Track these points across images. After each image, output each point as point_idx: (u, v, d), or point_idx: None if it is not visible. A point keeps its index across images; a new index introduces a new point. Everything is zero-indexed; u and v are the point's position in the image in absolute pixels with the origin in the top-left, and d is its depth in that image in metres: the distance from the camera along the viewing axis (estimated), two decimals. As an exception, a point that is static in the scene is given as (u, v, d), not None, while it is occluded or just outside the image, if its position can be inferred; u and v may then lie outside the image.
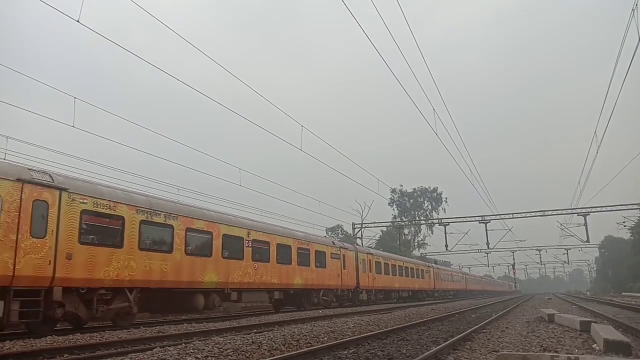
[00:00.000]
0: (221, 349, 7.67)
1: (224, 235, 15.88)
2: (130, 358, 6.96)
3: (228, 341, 8.57)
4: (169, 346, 8.08)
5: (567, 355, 6.06)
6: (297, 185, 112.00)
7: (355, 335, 9.93)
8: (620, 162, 72.42)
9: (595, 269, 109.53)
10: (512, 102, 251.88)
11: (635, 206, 41.66)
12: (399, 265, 36.14)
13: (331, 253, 23.99)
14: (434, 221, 62.58)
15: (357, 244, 39.51)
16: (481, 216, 42.15)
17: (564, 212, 42.22)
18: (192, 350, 7.53)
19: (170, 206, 14.39)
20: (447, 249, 44.76)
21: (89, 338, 9.74)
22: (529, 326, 12.09)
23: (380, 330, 10.85)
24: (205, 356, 7.20)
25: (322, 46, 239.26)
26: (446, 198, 76.57)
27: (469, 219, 43.63)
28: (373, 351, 7.89)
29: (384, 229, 62.11)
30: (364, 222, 49.63)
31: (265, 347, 8.11)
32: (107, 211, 11.94)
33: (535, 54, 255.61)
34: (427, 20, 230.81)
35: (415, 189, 77.13)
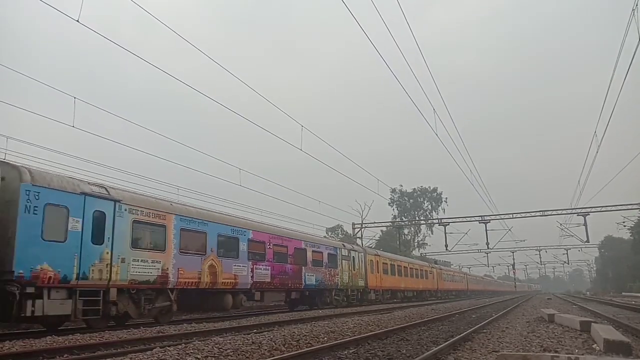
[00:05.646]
0: (221, 349, 7.67)
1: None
2: (130, 358, 6.95)
3: (228, 341, 8.57)
4: (168, 346, 8.07)
5: (567, 355, 6.06)
6: (297, 185, 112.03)
7: (355, 336, 9.91)
8: (620, 162, 72.53)
9: (595, 269, 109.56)
10: (512, 102, 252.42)
11: (635, 206, 41.61)
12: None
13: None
14: (434, 221, 62.56)
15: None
16: (481, 216, 42.08)
17: (564, 212, 42.15)
18: (192, 351, 7.52)
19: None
20: (447, 249, 44.66)
21: (88, 338, 9.72)
22: (529, 326, 12.08)
23: (381, 330, 10.84)
24: (205, 356, 7.19)
25: (322, 47, 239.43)
26: (446, 198, 76.64)
27: (469, 219, 43.54)
28: (373, 351, 7.88)
29: (384, 229, 62.10)
30: (364, 222, 49.55)
31: (265, 347, 8.10)
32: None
33: (535, 54, 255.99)
34: (420, 20, 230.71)
35: (415, 189, 77.18)
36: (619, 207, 40.47)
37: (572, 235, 45.62)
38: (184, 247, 14.37)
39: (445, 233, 43.75)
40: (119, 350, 8.37)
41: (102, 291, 11.64)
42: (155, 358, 6.93)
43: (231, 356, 7.31)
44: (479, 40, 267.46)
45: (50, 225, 10.60)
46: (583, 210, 39.16)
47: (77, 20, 11.77)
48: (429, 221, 69.28)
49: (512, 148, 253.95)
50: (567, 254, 70.60)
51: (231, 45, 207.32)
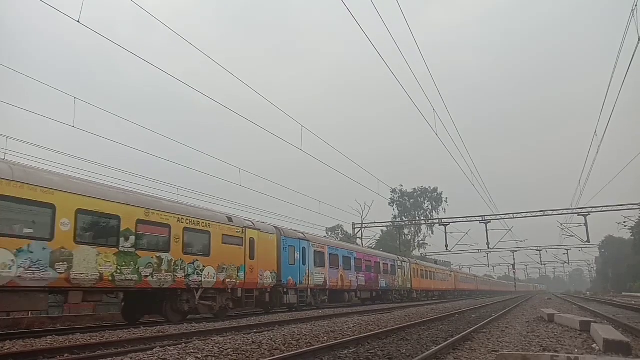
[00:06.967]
0: (221, 349, 7.67)
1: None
2: (130, 358, 6.96)
3: (228, 341, 8.58)
4: (169, 346, 8.08)
5: (567, 355, 6.06)
6: (297, 185, 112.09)
7: (355, 335, 9.92)
8: (621, 162, 72.51)
9: (595, 269, 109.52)
10: (512, 102, 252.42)
11: (635, 206, 41.59)
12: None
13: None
14: (434, 221, 62.50)
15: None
16: (481, 216, 42.09)
17: (564, 212, 42.15)
18: (192, 350, 7.53)
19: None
20: (447, 249, 44.70)
21: (89, 338, 9.74)
22: (528, 326, 12.09)
23: (381, 330, 10.85)
24: (205, 356, 7.20)
25: (322, 47, 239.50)
26: (446, 198, 76.42)
27: (469, 219, 43.57)
28: (373, 351, 7.89)
29: (384, 229, 61.97)
30: (364, 222, 49.55)
31: (266, 347, 8.11)
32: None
33: (535, 54, 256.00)
34: (419, 19, 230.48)
35: (415, 189, 77.04)
36: (620, 207, 40.50)
37: (573, 235, 45.68)
38: (331, 264, 24.03)
39: (446, 233, 43.83)
40: (119, 350, 8.38)
41: (305, 291, 21.30)
42: (156, 358, 6.94)
43: (231, 356, 7.31)
44: (479, 39, 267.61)
45: (290, 256, 20.26)
46: (583, 210, 39.18)
47: (78, 21, 11.79)
48: (429, 221, 69.23)
49: (512, 148, 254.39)
50: (567, 254, 70.67)
51: (231, 45, 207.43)
